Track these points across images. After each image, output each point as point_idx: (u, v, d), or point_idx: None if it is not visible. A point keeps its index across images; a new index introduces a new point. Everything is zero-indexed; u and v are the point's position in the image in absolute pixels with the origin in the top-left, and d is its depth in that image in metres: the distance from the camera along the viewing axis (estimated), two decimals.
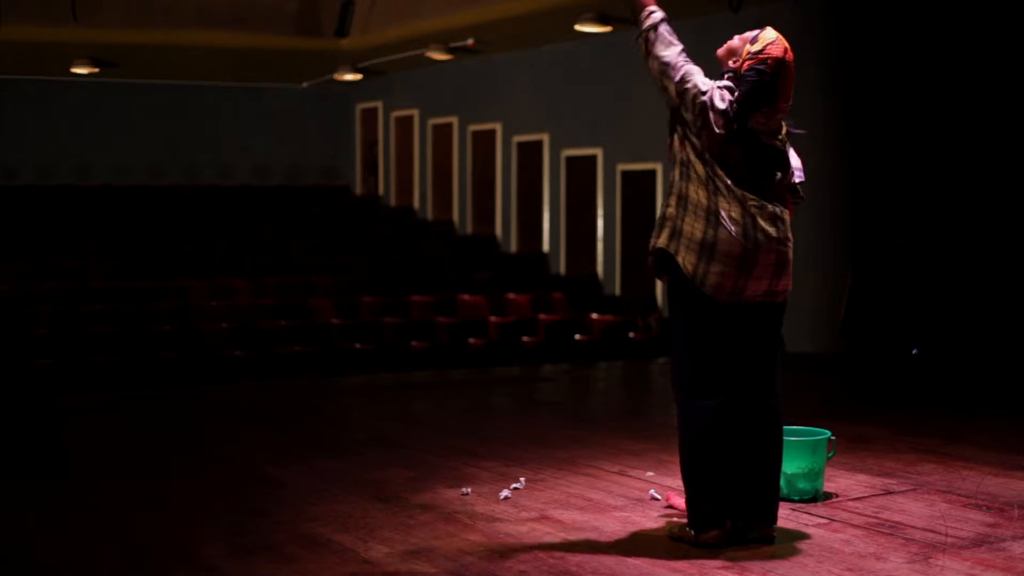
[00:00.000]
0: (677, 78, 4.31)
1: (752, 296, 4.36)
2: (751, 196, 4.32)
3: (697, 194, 4.32)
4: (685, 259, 4.33)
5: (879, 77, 11.42)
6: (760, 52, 4.32)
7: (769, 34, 4.39)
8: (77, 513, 5.19)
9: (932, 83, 11.02)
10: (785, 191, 4.45)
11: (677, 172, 4.41)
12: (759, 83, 4.28)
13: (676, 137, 4.40)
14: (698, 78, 4.32)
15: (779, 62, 4.31)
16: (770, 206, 4.35)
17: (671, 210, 4.39)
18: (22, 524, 5.01)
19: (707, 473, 4.38)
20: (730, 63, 4.44)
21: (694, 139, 4.33)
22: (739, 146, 4.31)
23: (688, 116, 4.32)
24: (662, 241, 4.40)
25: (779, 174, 4.41)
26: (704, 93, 4.28)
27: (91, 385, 10.62)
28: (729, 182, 4.29)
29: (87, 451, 6.81)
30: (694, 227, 4.31)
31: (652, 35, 4.36)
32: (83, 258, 13.97)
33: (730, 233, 4.27)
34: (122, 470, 6.15)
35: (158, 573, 4.28)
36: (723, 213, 4.28)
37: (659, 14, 4.38)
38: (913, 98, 11.16)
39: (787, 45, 4.37)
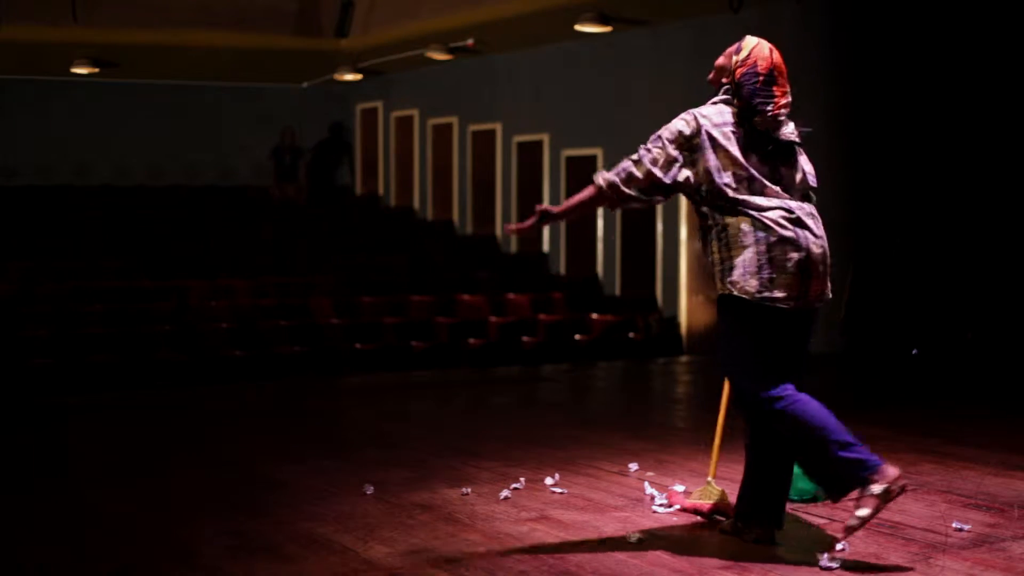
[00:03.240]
0: (659, 172, 4.34)
1: (814, 298, 4.34)
2: (785, 199, 4.32)
3: (736, 220, 4.29)
4: (745, 286, 4.25)
5: (880, 76, 11.42)
6: (747, 57, 4.39)
7: (751, 40, 4.46)
8: (77, 513, 5.18)
9: (933, 83, 11.02)
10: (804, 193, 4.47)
11: (708, 220, 4.37)
12: (756, 84, 4.34)
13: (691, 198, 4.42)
14: (667, 145, 4.34)
15: (769, 62, 4.38)
16: (807, 205, 4.36)
17: (715, 255, 4.34)
18: (22, 524, 5.01)
19: (839, 432, 4.24)
20: (723, 80, 4.47)
21: (714, 177, 4.29)
22: (756, 153, 4.33)
23: (698, 165, 4.30)
24: (719, 288, 4.35)
25: (799, 174, 4.43)
26: (695, 133, 4.30)
27: (91, 385, 10.62)
28: (761, 197, 4.28)
29: (87, 451, 6.81)
30: (745, 253, 4.27)
31: (612, 189, 4.44)
32: (83, 258, 13.97)
33: (783, 240, 4.23)
34: (122, 470, 6.15)
35: (158, 573, 4.28)
36: (771, 223, 4.24)
37: (599, 178, 4.47)
38: (914, 98, 11.16)
39: (771, 45, 4.44)
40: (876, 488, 4.14)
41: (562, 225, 15.16)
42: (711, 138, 4.31)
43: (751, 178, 4.29)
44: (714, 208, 4.34)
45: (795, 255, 4.26)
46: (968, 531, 4.68)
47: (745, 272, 4.26)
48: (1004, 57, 10.59)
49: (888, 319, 11.11)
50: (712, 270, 4.39)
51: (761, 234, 4.25)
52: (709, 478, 5.01)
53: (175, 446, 6.91)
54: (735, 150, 4.30)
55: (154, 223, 15.64)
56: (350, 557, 4.41)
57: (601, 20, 12.98)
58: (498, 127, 16.24)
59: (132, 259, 14.04)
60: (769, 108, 4.34)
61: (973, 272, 10.73)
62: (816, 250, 4.31)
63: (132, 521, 5.03)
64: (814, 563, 4.23)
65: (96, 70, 16.25)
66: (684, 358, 12.38)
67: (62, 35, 14.51)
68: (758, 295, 4.25)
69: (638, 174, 4.39)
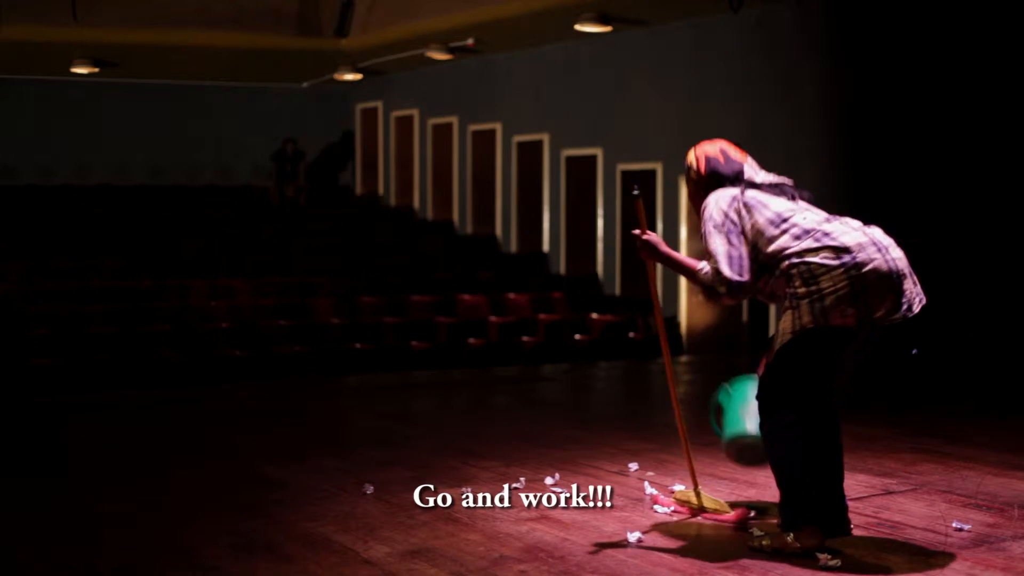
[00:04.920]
0: (735, 240, 4.33)
1: (905, 311, 4.34)
2: (842, 222, 4.39)
3: (817, 254, 4.24)
4: (844, 313, 4.19)
5: (879, 76, 11.43)
6: (695, 158, 4.54)
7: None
8: (77, 513, 5.19)
9: (932, 83, 11.03)
10: None
11: (789, 269, 4.30)
12: (717, 157, 4.50)
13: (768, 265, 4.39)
14: (718, 226, 4.35)
15: (713, 143, 4.56)
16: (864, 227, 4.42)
17: (801, 289, 4.25)
18: (21, 524, 5.01)
19: (812, 481, 4.32)
20: (698, 194, 4.55)
21: (785, 216, 4.34)
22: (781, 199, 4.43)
23: (754, 221, 4.35)
24: (805, 322, 4.23)
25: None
26: (729, 205, 4.36)
27: (91, 385, 10.63)
28: (831, 229, 4.31)
29: (87, 451, 6.81)
30: (836, 281, 4.20)
31: (713, 271, 4.34)
32: (83, 258, 13.98)
33: (870, 262, 4.25)
34: (122, 470, 6.15)
35: (158, 573, 4.28)
36: (854, 247, 4.25)
37: (707, 267, 4.38)
38: (913, 97, 11.16)
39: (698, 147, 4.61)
40: (814, 541, 4.25)
41: (562, 225, 15.17)
42: (745, 204, 4.35)
43: (803, 212, 4.37)
44: (788, 255, 4.28)
45: (886, 278, 4.26)
46: (968, 531, 4.68)
47: (839, 299, 4.19)
48: (1004, 57, 10.60)
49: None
50: (794, 306, 4.27)
51: (849, 257, 4.23)
52: (698, 488, 4.97)
53: (175, 446, 6.91)
54: (770, 202, 4.36)
55: (154, 223, 15.65)
56: (350, 557, 4.41)
57: (601, 20, 12.99)
58: (498, 127, 16.25)
59: (132, 259, 14.05)
60: (739, 162, 4.47)
61: (974, 272, 10.73)
62: (902, 267, 4.35)
63: (132, 521, 5.03)
64: (814, 563, 4.23)
65: (96, 70, 16.25)
66: (684, 358, 12.38)
67: (62, 35, 14.51)
68: (861, 317, 4.21)
69: (721, 258, 4.31)
